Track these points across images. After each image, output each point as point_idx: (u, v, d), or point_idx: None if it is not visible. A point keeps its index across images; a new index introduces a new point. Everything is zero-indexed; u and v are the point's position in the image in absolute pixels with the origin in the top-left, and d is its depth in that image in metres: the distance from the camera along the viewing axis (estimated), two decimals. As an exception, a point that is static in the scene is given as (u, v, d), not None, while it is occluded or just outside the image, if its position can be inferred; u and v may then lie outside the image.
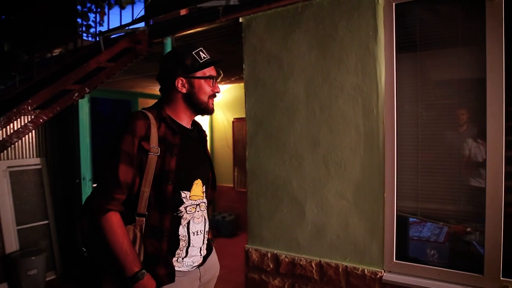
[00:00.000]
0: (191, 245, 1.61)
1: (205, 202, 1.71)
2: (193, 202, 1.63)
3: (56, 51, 4.21)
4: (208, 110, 1.68)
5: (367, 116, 2.40)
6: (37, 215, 4.04)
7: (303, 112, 2.64)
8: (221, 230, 5.61)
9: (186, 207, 1.60)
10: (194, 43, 1.94)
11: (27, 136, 4.02)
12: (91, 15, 5.77)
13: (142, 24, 3.48)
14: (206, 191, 1.75)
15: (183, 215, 1.59)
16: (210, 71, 1.65)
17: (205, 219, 1.70)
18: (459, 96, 2.26)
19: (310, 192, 2.63)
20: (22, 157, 4.02)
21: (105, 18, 6.14)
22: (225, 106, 6.09)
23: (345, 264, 2.51)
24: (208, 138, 1.97)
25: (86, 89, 3.11)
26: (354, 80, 2.44)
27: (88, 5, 5.78)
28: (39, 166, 4.12)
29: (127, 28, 3.37)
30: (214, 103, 1.72)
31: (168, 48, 3.29)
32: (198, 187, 1.67)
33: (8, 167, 3.86)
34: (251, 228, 2.92)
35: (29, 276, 3.66)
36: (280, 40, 2.72)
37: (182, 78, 1.60)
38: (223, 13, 2.83)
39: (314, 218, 2.62)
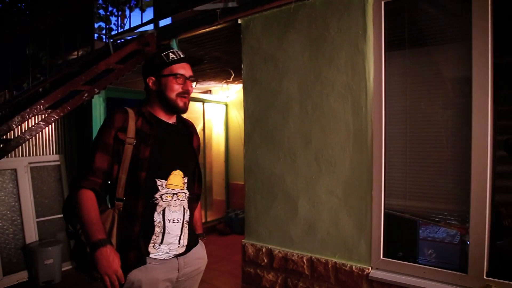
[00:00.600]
0: (166, 231, 1.69)
1: (185, 193, 1.77)
2: (170, 190, 1.71)
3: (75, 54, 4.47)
4: (176, 108, 1.74)
5: (356, 114, 2.43)
6: (55, 208, 4.28)
7: (296, 110, 2.70)
8: (234, 227, 5.71)
9: (162, 195, 1.69)
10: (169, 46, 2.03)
11: (47, 134, 4.28)
12: (113, 19, 6.03)
13: (151, 27, 3.64)
14: (190, 184, 1.82)
15: (158, 202, 1.68)
16: (179, 69, 1.71)
17: (184, 209, 1.76)
18: (447, 94, 2.25)
19: (302, 189, 2.68)
20: (42, 154, 4.29)
21: (126, 20, 6.37)
22: (239, 105, 6.18)
23: (335, 260, 2.54)
24: (200, 135, 2.03)
25: (96, 89, 3.28)
26: (344, 78, 2.47)
27: (110, 8, 6.04)
28: (58, 163, 4.37)
29: (136, 31, 3.52)
30: (188, 101, 1.77)
31: (175, 46, 3.44)
32: (177, 177, 1.74)
33: (29, 163, 4.13)
34: (248, 224, 3.00)
35: (46, 265, 3.90)
36: (275, 41, 2.79)
37: (152, 77, 1.72)
38: (221, 16, 2.93)
39: (306, 215, 2.67)
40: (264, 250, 2.88)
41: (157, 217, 1.68)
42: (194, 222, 1.93)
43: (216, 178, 6.27)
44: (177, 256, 1.75)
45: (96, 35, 5.21)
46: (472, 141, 2.08)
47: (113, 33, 5.89)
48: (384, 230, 2.38)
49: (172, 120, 1.81)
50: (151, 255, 1.66)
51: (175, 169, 1.74)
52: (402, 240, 2.51)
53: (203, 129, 5.99)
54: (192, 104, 5.86)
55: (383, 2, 2.33)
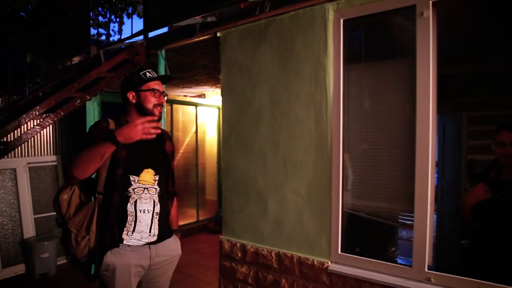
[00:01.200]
0: (138, 220, 2.00)
1: (156, 188, 2.08)
2: (141, 185, 2.03)
3: (76, 59, 4.74)
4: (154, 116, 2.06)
5: (318, 121, 2.67)
6: (52, 206, 4.56)
7: (267, 117, 2.94)
8: (224, 226, 5.94)
9: (134, 188, 2.01)
10: (145, 66, 2.30)
11: (45, 136, 4.57)
12: (111, 25, 6.31)
13: (141, 37, 3.90)
14: (162, 181, 2.13)
15: (131, 195, 2.00)
16: (154, 86, 2.08)
17: (154, 202, 2.07)
18: (396, 103, 2.47)
19: (272, 189, 2.92)
20: (40, 155, 4.59)
21: (123, 27, 6.62)
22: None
23: (299, 254, 2.78)
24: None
25: (88, 96, 3.55)
26: (308, 89, 2.71)
27: (109, 16, 6.33)
28: (55, 163, 4.67)
29: (126, 42, 3.79)
30: (161, 111, 2.14)
31: (162, 58, 3.70)
32: (148, 175, 2.07)
33: (28, 163, 4.43)
34: (225, 221, 3.25)
35: (42, 259, 4.19)
36: (249, 53, 3.04)
37: (132, 92, 2.06)
38: (200, 30, 3.18)
39: (275, 213, 2.91)
40: (238, 245, 3.13)
41: (130, 207, 1.99)
42: (170, 219, 2.26)
43: (209, 179, 6.53)
44: (149, 244, 2.04)
45: (95, 40, 5.45)
46: (416, 146, 2.30)
47: (111, 39, 6.19)
48: (342, 228, 2.61)
49: None
50: (124, 242, 1.97)
51: (147, 168, 2.06)
52: (359, 236, 2.74)
53: (196, 132, 6.26)
54: (185, 108, 6.14)
55: (341, 20, 2.56)
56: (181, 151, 6.17)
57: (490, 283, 2.05)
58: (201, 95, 6.79)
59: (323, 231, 2.66)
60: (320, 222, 2.67)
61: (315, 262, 2.69)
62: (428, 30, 2.24)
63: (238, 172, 3.13)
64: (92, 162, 1.83)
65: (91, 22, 4.81)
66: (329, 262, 2.64)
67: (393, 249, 2.55)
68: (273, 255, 2.91)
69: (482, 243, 2.36)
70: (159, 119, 2.11)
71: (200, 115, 6.31)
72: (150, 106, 2.05)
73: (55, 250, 4.33)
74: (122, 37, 3.94)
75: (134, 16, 4.54)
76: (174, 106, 5.92)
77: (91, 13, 4.51)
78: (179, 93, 6.52)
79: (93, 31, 4.79)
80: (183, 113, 6.12)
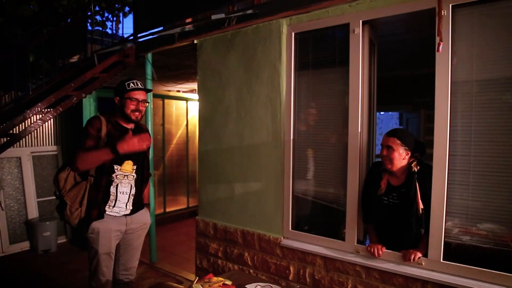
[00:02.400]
0: (118, 199, 2.56)
1: (133, 176, 2.63)
2: (122, 173, 2.57)
3: (75, 58, 5.24)
4: (130, 119, 2.59)
5: (274, 119, 3.15)
6: (53, 191, 5.11)
7: (234, 115, 3.42)
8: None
9: (117, 175, 2.55)
10: (132, 76, 2.77)
11: (47, 128, 5.10)
12: (108, 24, 6.77)
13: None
14: (138, 170, 2.67)
15: (114, 180, 2.54)
16: (135, 95, 2.57)
17: (131, 186, 2.62)
18: (335, 103, 2.94)
19: (237, 176, 3.41)
20: (43, 145, 5.12)
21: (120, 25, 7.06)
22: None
23: (259, 232, 3.28)
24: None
25: (83, 94, 4.05)
26: (266, 91, 3.18)
27: (106, 15, 6.79)
28: (55, 152, 5.20)
29: (117, 46, 4.27)
30: (139, 115, 2.62)
31: (148, 61, 4.19)
32: (128, 165, 2.60)
33: (32, 152, 4.97)
34: (200, 204, 3.76)
35: (44, 237, 4.75)
36: (221, 59, 3.51)
37: (117, 97, 2.58)
38: (178, 38, 3.66)
39: (240, 196, 3.41)
40: (210, 224, 3.63)
41: (113, 189, 2.54)
42: (143, 195, 2.80)
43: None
44: (125, 215, 2.60)
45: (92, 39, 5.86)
46: (348, 140, 2.76)
47: (108, 38, 6.64)
48: (292, 209, 3.10)
49: (130, 126, 2.65)
50: (107, 212, 2.52)
51: (127, 160, 2.60)
52: (307, 216, 3.22)
53: (187, 125, 6.76)
54: (177, 103, 6.64)
55: (293, 33, 3.03)
56: (174, 142, 6.66)
57: (395, 252, 2.54)
58: (193, 91, 7.26)
59: (278, 211, 3.15)
60: (276, 204, 3.16)
61: (271, 238, 3.18)
62: (358, 44, 2.69)
63: (211, 162, 3.63)
64: (94, 163, 2.40)
65: (89, 21, 5.26)
66: (282, 238, 3.13)
67: (334, 227, 3.01)
68: (238, 232, 3.41)
69: (380, 230, 2.74)
70: (136, 122, 2.63)
71: (190, 110, 6.80)
72: (128, 111, 2.55)
73: (56, 230, 4.89)
74: (119, 35, 4.39)
75: (131, 16, 4.96)
76: (166, 101, 6.41)
77: (89, 12, 4.94)
78: (173, 88, 6.99)
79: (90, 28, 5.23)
80: (176, 107, 6.61)
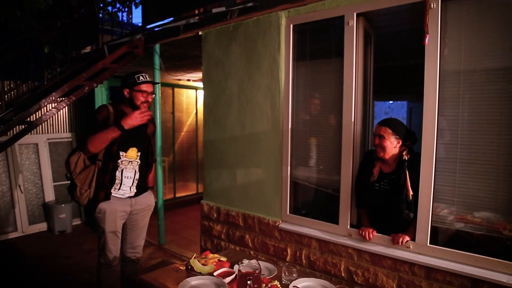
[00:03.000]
0: (122, 183, 2.76)
1: (137, 162, 2.82)
2: (127, 159, 2.77)
3: (87, 49, 5.43)
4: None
5: (273, 108, 3.28)
6: (65, 174, 5.39)
7: (236, 104, 3.57)
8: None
9: (122, 161, 2.75)
10: (140, 70, 2.94)
11: (62, 116, 5.34)
12: (119, 14, 6.92)
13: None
14: (142, 156, 2.86)
15: (119, 165, 2.74)
16: (144, 87, 2.76)
17: (135, 171, 2.81)
18: (331, 92, 3.04)
19: (239, 162, 3.57)
20: (58, 132, 5.37)
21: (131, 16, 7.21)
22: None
23: (259, 215, 3.44)
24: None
25: (94, 84, 4.25)
26: (266, 81, 3.31)
27: (118, 5, 6.94)
28: (70, 139, 5.46)
29: (128, 37, 4.44)
30: (147, 106, 2.81)
31: (156, 52, 4.36)
32: (132, 152, 2.80)
33: (48, 139, 5.24)
34: (205, 188, 3.94)
35: (60, 219, 5.03)
36: (223, 49, 3.64)
37: (127, 89, 2.75)
38: (183, 30, 3.81)
39: (242, 182, 3.57)
40: (214, 208, 3.82)
41: (118, 174, 2.73)
42: (148, 179, 3.00)
43: (209, 156, 7.23)
44: (130, 197, 2.80)
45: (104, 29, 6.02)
46: (343, 128, 2.88)
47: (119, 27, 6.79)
48: (290, 194, 3.25)
49: None
50: (113, 194, 2.73)
51: (132, 146, 2.79)
52: (304, 201, 3.37)
53: (196, 113, 6.93)
54: (186, 91, 6.81)
55: (291, 25, 3.14)
56: (183, 130, 6.86)
57: (384, 235, 2.68)
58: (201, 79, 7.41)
59: (277, 196, 3.31)
60: (275, 189, 3.32)
61: (270, 221, 3.35)
62: (352, 36, 2.79)
63: (215, 149, 3.79)
64: (104, 142, 2.60)
65: (101, 11, 5.43)
66: (280, 221, 3.29)
67: (329, 211, 3.14)
68: (240, 215, 3.59)
69: (371, 215, 2.87)
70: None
71: (200, 98, 6.96)
72: (138, 102, 2.74)
73: (71, 212, 5.17)
74: (131, 24, 4.56)
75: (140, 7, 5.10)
76: (176, 89, 6.59)
77: (101, 4, 5.11)
78: (183, 77, 7.15)
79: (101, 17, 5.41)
80: (186, 95, 6.79)
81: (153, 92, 2.83)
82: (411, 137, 2.66)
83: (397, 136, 2.59)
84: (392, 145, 2.60)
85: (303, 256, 3.15)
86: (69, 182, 2.77)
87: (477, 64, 2.35)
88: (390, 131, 2.59)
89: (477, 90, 2.36)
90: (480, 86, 2.35)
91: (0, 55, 4.16)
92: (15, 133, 4.21)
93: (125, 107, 2.79)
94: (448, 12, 2.38)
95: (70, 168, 2.72)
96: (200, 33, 3.84)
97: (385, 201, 2.67)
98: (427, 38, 2.34)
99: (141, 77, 2.75)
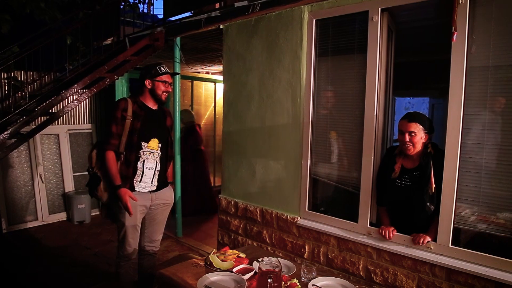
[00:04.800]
0: (144, 174, 2.77)
1: (158, 153, 2.84)
2: (149, 150, 2.79)
3: (108, 40, 5.47)
4: (160, 100, 2.85)
5: (294, 103, 3.25)
6: (86, 167, 5.46)
7: (256, 98, 3.55)
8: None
9: (144, 151, 2.77)
10: (160, 62, 2.97)
11: (82, 108, 5.41)
12: (140, 6, 6.93)
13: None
14: (163, 147, 2.87)
15: (141, 156, 2.76)
16: (165, 78, 2.81)
17: (157, 162, 2.83)
18: (353, 88, 2.99)
19: (259, 157, 3.56)
20: (79, 123, 5.44)
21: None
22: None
23: (277, 211, 3.43)
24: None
25: (115, 76, 4.28)
26: (287, 76, 3.28)
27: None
28: (90, 130, 5.52)
29: (148, 30, 4.45)
30: (167, 96, 2.88)
31: (177, 45, 4.36)
32: (154, 142, 2.82)
33: (68, 130, 5.32)
34: (223, 182, 3.94)
35: (80, 209, 5.11)
36: (244, 43, 3.62)
37: (149, 80, 2.78)
38: (205, 24, 3.79)
39: (260, 177, 3.56)
40: (232, 202, 3.82)
41: (140, 164, 2.75)
42: (167, 174, 2.99)
43: (226, 149, 7.23)
44: (150, 192, 2.80)
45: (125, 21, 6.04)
46: (364, 125, 2.84)
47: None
48: (309, 190, 3.22)
49: (155, 107, 2.88)
50: (135, 189, 2.69)
51: (153, 137, 2.81)
52: (323, 198, 3.34)
53: (214, 106, 6.93)
54: (205, 84, 6.82)
55: (314, 20, 3.09)
56: (201, 123, 6.87)
57: (405, 235, 2.64)
58: (221, 72, 7.40)
59: (295, 192, 3.29)
60: (294, 185, 3.30)
61: (288, 217, 3.33)
62: (376, 32, 2.74)
63: (234, 143, 3.79)
64: (106, 171, 2.65)
65: (122, 3, 5.46)
66: (299, 218, 3.27)
67: (348, 209, 3.11)
68: (258, 211, 3.58)
69: (392, 213, 2.84)
70: (165, 102, 2.87)
71: (218, 91, 6.96)
72: (160, 92, 2.79)
73: (90, 203, 5.25)
74: (153, 17, 4.56)
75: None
76: (195, 82, 6.59)
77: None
78: (202, 70, 7.16)
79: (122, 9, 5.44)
80: (205, 88, 6.80)
81: (172, 84, 2.88)
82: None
83: (426, 131, 2.56)
84: (421, 141, 2.57)
85: (321, 253, 3.13)
86: (89, 176, 2.80)
87: (507, 60, 2.28)
88: (421, 127, 2.55)
89: (505, 87, 2.30)
90: (508, 83, 2.28)
91: (24, 46, 4.22)
92: (37, 124, 4.28)
93: (145, 98, 2.82)
94: (476, 8, 2.32)
95: (92, 162, 2.75)
96: (221, 26, 3.83)
97: (406, 197, 2.63)
98: (455, 35, 2.27)
99: (162, 68, 2.81)
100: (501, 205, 2.33)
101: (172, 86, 2.89)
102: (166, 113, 3.00)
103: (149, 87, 2.79)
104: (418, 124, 2.54)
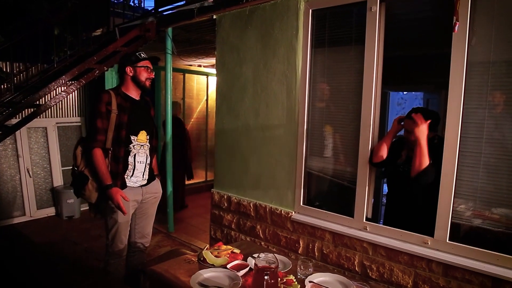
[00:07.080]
0: (135, 169, 2.68)
1: (148, 145, 2.75)
2: (139, 143, 2.69)
3: (98, 31, 5.32)
4: (144, 87, 2.74)
5: (289, 95, 3.18)
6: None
7: (250, 90, 3.47)
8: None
9: (134, 145, 2.67)
10: (141, 49, 2.88)
11: (71, 100, 5.27)
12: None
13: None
14: (150, 139, 2.78)
15: (131, 150, 2.66)
16: (147, 63, 2.70)
17: (147, 155, 2.75)
18: (350, 81, 2.93)
19: (252, 150, 3.49)
20: (67, 116, 5.31)
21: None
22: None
23: (271, 205, 3.36)
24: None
25: (105, 67, 4.17)
26: (282, 68, 3.20)
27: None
28: (79, 123, 5.39)
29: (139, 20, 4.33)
30: (150, 83, 2.77)
31: (168, 36, 4.26)
32: (142, 135, 2.72)
33: (57, 123, 5.18)
34: (216, 177, 3.87)
35: (69, 204, 4.99)
36: (238, 34, 3.53)
37: (130, 67, 2.66)
38: (197, 13, 3.69)
39: (254, 170, 3.49)
40: (225, 196, 3.74)
41: (130, 159, 2.65)
42: (153, 166, 2.89)
43: (218, 143, 7.15)
44: (141, 186, 2.72)
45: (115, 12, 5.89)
46: (361, 118, 2.77)
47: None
48: (304, 184, 3.16)
49: (137, 97, 2.73)
50: (126, 184, 2.60)
51: (142, 130, 2.72)
52: (318, 192, 3.28)
53: (207, 100, 6.84)
54: (197, 77, 6.72)
55: (310, 10, 3.01)
56: (193, 117, 6.78)
57: (401, 230, 2.59)
58: (214, 65, 7.29)
59: (290, 186, 3.22)
60: (288, 179, 3.23)
61: (282, 212, 3.27)
62: (375, 23, 2.67)
63: (227, 135, 3.71)
64: (94, 170, 2.52)
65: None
66: (293, 212, 3.21)
67: (344, 203, 3.06)
68: (251, 205, 3.51)
69: (389, 201, 2.84)
70: (149, 89, 2.76)
71: (211, 84, 6.86)
72: (143, 79, 2.68)
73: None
74: (143, 8, 4.45)
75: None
76: (187, 75, 6.49)
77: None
78: (194, 63, 7.04)
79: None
80: (196, 81, 6.69)
81: (153, 70, 2.79)
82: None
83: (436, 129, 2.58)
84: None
85: (315, 248, 3.07)
86: (72, 176, 2.68)
87: (508, 54, 2.23)
88: (433, 122, 2.53)
89: (506, 81, 2.25)
90: (509, 77, 2.23)
91: (10, 36, 4.08)
92: (23, 116, 4.15)
93: (127, 88, 2.70)
94: (478, -1, 2.26)
95: (76, 161, 2.64)
96: (214, 17, 3.73)
97: (403, 184, 2.63)
98: (457, 25, 2.21)
99: (142, 54, 2.72)
100: (498, 200, 2.29)
101: (154, 73, 2.80)
102: (149, 101, 2.92)
103: (131, 74, 2.67)
104: (430, 121, 2.51)
